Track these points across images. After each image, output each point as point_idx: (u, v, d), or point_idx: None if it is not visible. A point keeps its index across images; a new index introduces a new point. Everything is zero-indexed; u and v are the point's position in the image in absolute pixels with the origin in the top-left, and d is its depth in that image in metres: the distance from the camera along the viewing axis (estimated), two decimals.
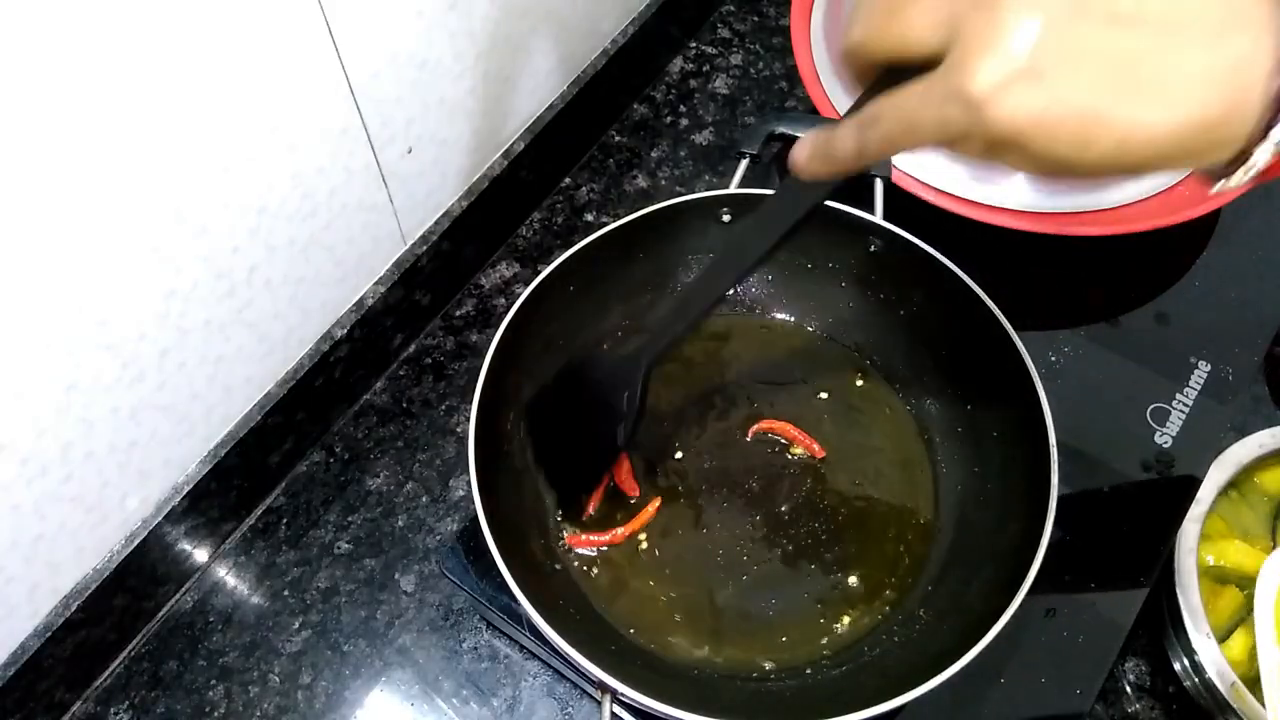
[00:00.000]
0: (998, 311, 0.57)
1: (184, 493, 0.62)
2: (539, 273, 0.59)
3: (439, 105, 0.65)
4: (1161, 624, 0.60)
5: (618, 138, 0.85)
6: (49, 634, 0.57)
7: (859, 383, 0.65)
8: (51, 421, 0.51)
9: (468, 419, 0.54)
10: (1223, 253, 0.72)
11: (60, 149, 0.43)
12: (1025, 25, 0.27)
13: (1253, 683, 0.56)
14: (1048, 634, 0.57)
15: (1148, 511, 0.61)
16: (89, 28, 0.41)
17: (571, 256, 0.60)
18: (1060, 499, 0.51)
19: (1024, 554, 0.50)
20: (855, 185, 0.63)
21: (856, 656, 0.55)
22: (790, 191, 0.43)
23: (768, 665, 0.55)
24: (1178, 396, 0.65)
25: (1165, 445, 0.63)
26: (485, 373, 0.55)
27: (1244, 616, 0.58)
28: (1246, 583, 0.59)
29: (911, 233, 0.60)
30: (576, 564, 0.59)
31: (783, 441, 0.63)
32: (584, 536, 0.59)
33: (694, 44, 0.90)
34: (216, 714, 0.62)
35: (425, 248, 0.71)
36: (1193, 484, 0.60)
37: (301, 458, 0.71)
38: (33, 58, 0.40)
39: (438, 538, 0.67)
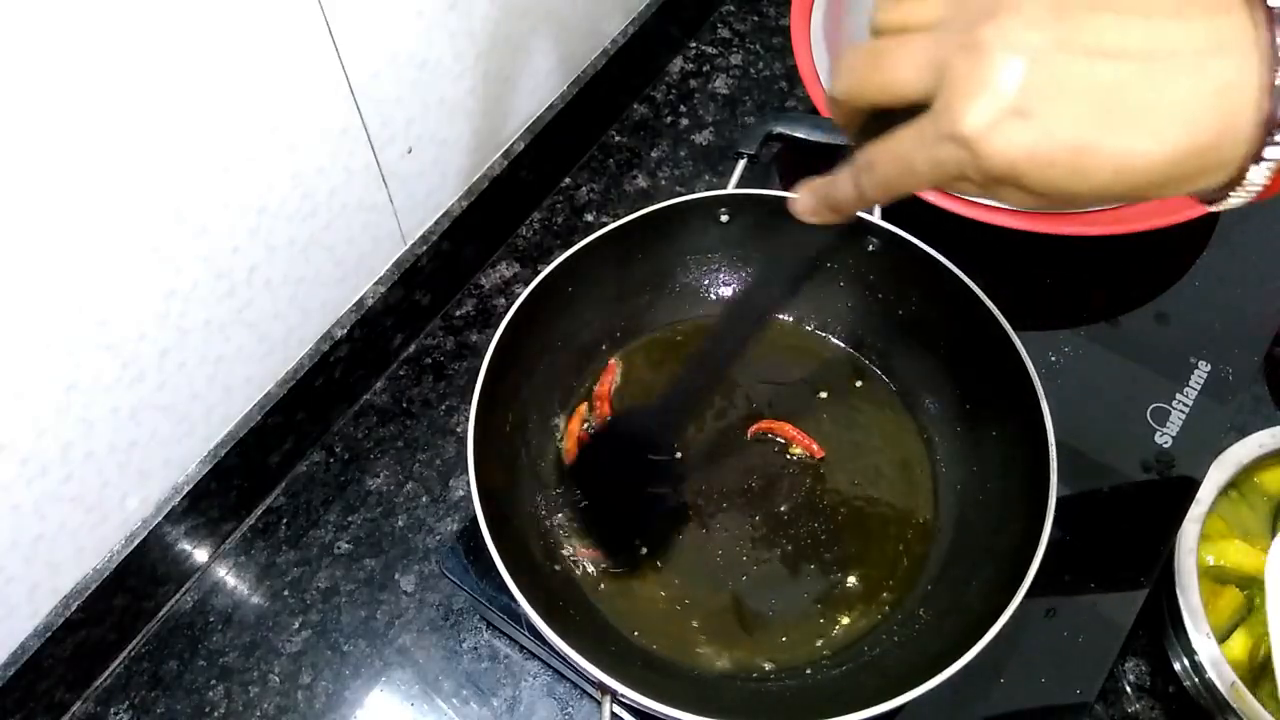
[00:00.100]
0: (997, 311, 0.57)
1: (184, 493, 0.62)
2: (539, 273, 0.59)
3: (439, 105, 0.65)
4: (1161, 624, 0.60)
5: (618, 138, 0.85)
6: (49, 634, 0.57)
7: (858, 383, 0.65)
8: (51, 421, 0.51)
9: (468, 419, 0.54)
10: (1223, 253, 0.72)
11: (60, 149, 0.43)
12: (1010, 64, 0.27)
13: (1253, 683, 0.56)
14: (1048, 634, 0.57)
15: (1148, 511, 0.60)
16: (89, 28, 0.41)
17: (571, 256, 0.60)
18: (1060, 499, 0.51)
19: (1023, 554, 0.50)
20: None
21: (856, 656, 0.55)
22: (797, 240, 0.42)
23: (768, 665, 0.55)
24: (1178, 396, 0.65)
25: (1165, 445, 0.63)
26: (485, 373, 0.55)
27: (1244, 616, 0.58)
28: (1246, 583, 0.59)
29: (910, 232, 0.60)
30: (576, 565, 0.59)
31: (782, 441, 0.63)
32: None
33: (694, 44, 0.90)
34: (216, 714, 0.62)
35: (425, 248, 0.71)
36: (1193, 484, 0.60)
37: (301, 458, 0.71)
38: (33, 58, 0.40)
39: (438, 538, 0.67)
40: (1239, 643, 0.57)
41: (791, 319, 0.68)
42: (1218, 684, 0.55)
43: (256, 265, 0.58)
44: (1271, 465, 0.62)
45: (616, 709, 0.49)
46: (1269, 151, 0.27)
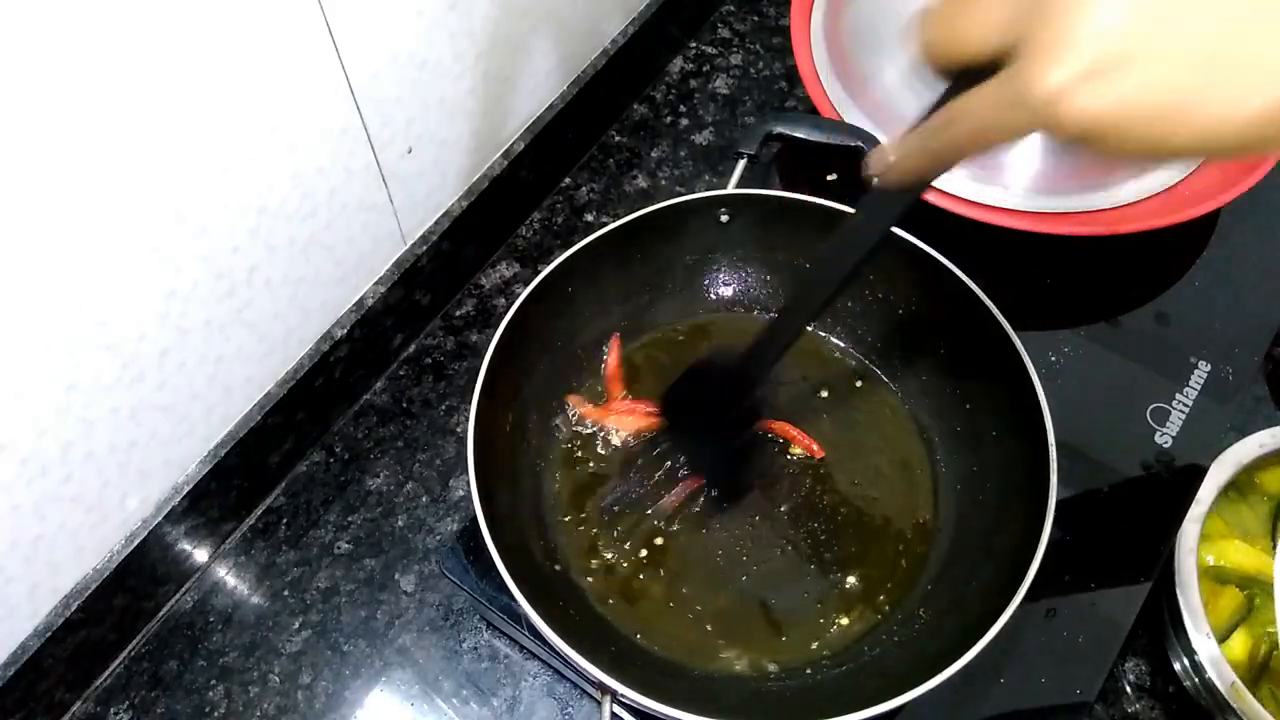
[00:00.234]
0: (997, 311, 0.57)
1: (184, 493, 0.62)
2: (539, 273, 0.59)
3: (439, 105, 0.65)
4: (1161, 624, 0.60)
5: (618, 138, 0.85)
6: (49, 634, 0.57)
7: (858, 383, 0.65)
8: (51, 421, 0.51)
9: (468, 419, 0.54)
10: (1223, 253, 0.72)
11: (60, 149, 0.43)
12: (1097, 18, 0.26)
13: (1253, 683, 0.56)
14: (1048, 634, 0.57)
15: (1148, 511, 0.61)
16: (90, 28, 0.41)
17: (571, 256, 0.60)
18: (1060, 499, 0.51)
19: (1023, 554, 0.50)
20: (854, 186, 0.63)
21: (856, 656, 0.55)
22: (873, 205, 0.40)
23: (768, 665, 0.55)
24: (1178, 396, 0.65)
25: (1165, 445, 0.63)
26: (485, 373, 0.55)
27: (1244, 616, 0.58)
28: (1246, 583, 0.59)
29: (910, 232, 0.60)
30: (576, 564, 0.59)
31: (782, 441, 0.63)
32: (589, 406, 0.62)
33: (694, 44, 0.90)
34: (216, 714, 0.62)
35: (425, 248, 0.71)
36: (1193, 484, 0.60)
37: (301, 458, 0.71)
38: (33, 58, 0.40)
39: (438, 538, 0.67)
40: (1239, 643, 0.57)
41: None
42: (1218, 684, 0.55)
43: (256, 265, 0.58)
44: (1271, 465, 0.62)
45: (616, 709, 0.49)
46: None
